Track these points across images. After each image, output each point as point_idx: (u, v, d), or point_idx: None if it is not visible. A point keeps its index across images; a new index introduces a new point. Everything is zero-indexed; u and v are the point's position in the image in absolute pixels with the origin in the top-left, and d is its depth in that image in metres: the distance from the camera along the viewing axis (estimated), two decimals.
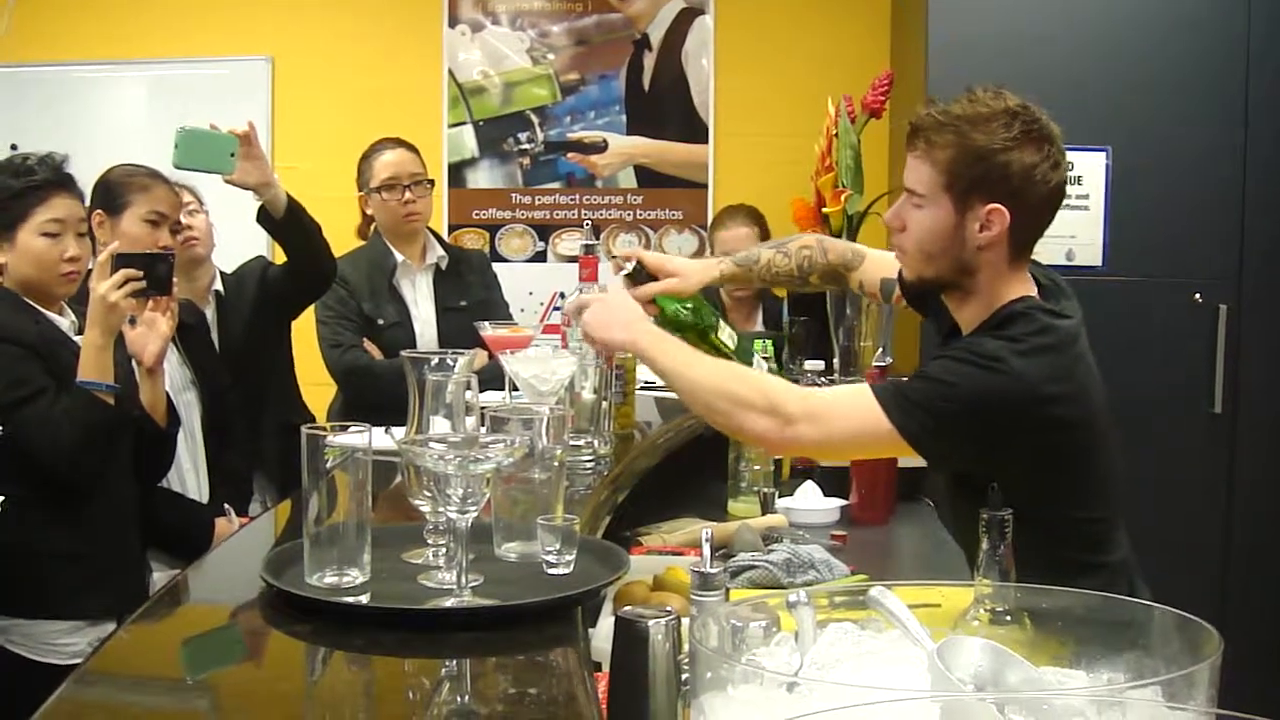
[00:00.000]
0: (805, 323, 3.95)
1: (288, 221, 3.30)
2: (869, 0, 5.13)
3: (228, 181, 3.19)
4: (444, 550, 1.75)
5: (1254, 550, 4.15)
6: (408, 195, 3.81)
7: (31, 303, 2.81)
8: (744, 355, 2.59)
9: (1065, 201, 2.21)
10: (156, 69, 5.29)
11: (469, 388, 1.67)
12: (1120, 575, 2.17)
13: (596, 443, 2.57)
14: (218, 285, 3.56)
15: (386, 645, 1.54)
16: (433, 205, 4.01)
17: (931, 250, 2.16)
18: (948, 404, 2.03)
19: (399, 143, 3.91)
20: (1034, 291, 2.17)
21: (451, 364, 1.71)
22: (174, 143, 3.05)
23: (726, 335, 2.58)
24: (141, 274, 2.77)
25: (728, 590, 1.66)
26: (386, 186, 3.81)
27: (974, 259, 2.13)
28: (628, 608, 1.50)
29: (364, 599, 1.62)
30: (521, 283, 4.92)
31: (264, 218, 3.31)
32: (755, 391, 2.11)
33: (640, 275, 2.56)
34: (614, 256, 2.68)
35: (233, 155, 3.13)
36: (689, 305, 2.54)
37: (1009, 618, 1.34)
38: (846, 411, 2.10)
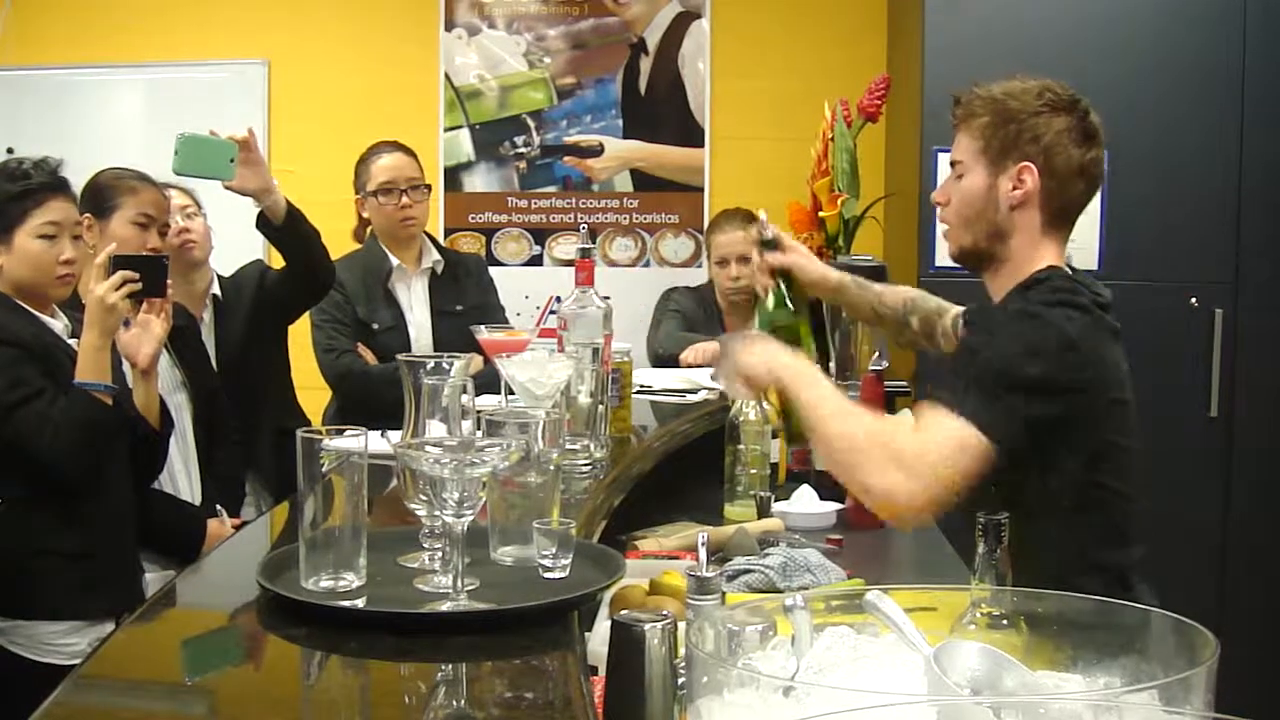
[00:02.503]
0: None
1: (287, 228, 3.29)
2: (865, 4, 5.14)
3: (227, 188, 3.19)
4: (440, 554, 1.74)
5: (1251, 553, 4.16)
6: (405, 200, 3.81)
7: (25, 305, 2.82)
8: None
9: None
10: (153, 72, 5.29)
11: (465, 391, 1.66)
12: (1132, 572, 2.20)
13: (593, 446, 2.57)
14: (215, 289, 3.56)
15: (382, 649, 1.54)
16: (429, 210, 4.01)
17: (968, 214, 2.27)
18: (1002, 378, 2.05)
19: (397, 146, 3.90)
20: (1064, 267, 2.25)
21: (447, 368, 1.71)
22: (174, 149, 3.05)
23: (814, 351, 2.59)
24: (138, 276, 2.77)
25: (724, 594, 1.66)
26: (384, 190, 3.81)
27: (1007, 222, 2.23)
28: (624, 611, 1.50)
29: (360, 603, 1.61)
30: (518, 286, 4.92)
31: (263, 223, 3.31)
32: (876, 442, 2.00)
33: (772, 247, 2.64)
34: (759, 226, 2.66)
35: (232, 161, 3.13)
36: (791, 310, 2.59)
37: (1005, 622, 1.34)
38: (941, 440, 2.01)
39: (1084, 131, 2.23)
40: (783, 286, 2.60)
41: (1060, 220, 2.26)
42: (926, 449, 1.99)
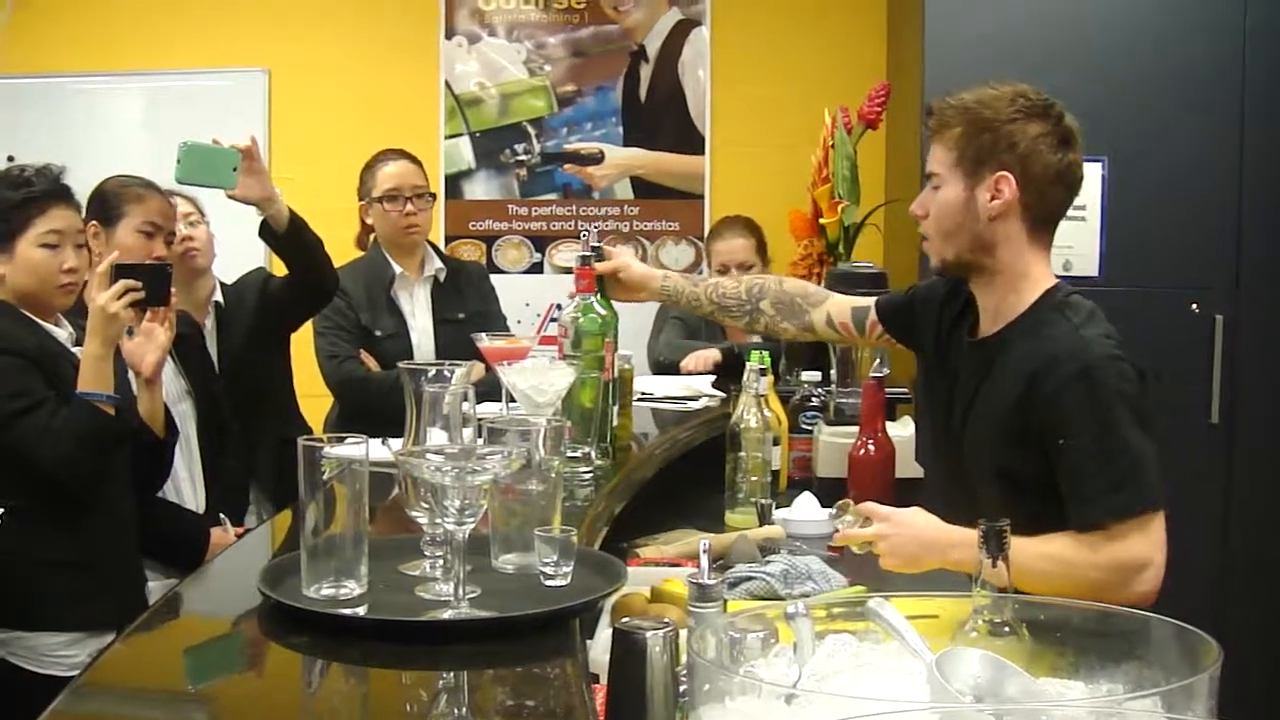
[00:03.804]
0: None
1: (290, 236, 3.29)
2: (865, 11, 5.14)
3: (230, 196, 3.19)
4: (441, 562, 1.74)
5: (1252, 560, 4.15)
6: (409, 207, 3.82)
7: (28, 314, 2.81)
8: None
9: None
10: (154, 80, 5.29)
11: (466, 399, 1.66)
12: None
13: (594, 454, 2.57)
14: (218, 296, 3.56)
15: (384, 657, 1.54)
16: (433, 218, 4.02)
17: (948, 227, 2.24)
18: (1132, 445, 2.13)
19: (402, 154, 3.91)
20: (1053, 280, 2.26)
21: (449, 375, 1.71)
22: (176, 157, 3.05)
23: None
24: (140, 285, 2.77)
25: (725, 601, 1.66)
26: (388, 197, 3.82)
27: (988, 232, 2.21)
28: (625, 619, 1.50)
29: (361, 611, 1.61)
30: (518, 294, 4.92)
31: (266, 232, 3.31)
32: (1104, 574, 2.11)
33: (598, 257, 2.76)
34: (591, 248, 2.77)
35: (235, 170, 3.13)
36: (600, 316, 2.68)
37: (1007, 629, 1.34)
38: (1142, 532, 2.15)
39: (1060, 136, 2.20)
40: (597, 296, 2.70)
41: (1043, 227, 2.25)
42: (1133, 551, 2.14)
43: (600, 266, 2.72)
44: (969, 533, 2.10)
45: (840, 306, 2.68)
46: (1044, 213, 2.23)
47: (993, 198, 2.19)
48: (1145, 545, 2.14)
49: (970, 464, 2.32)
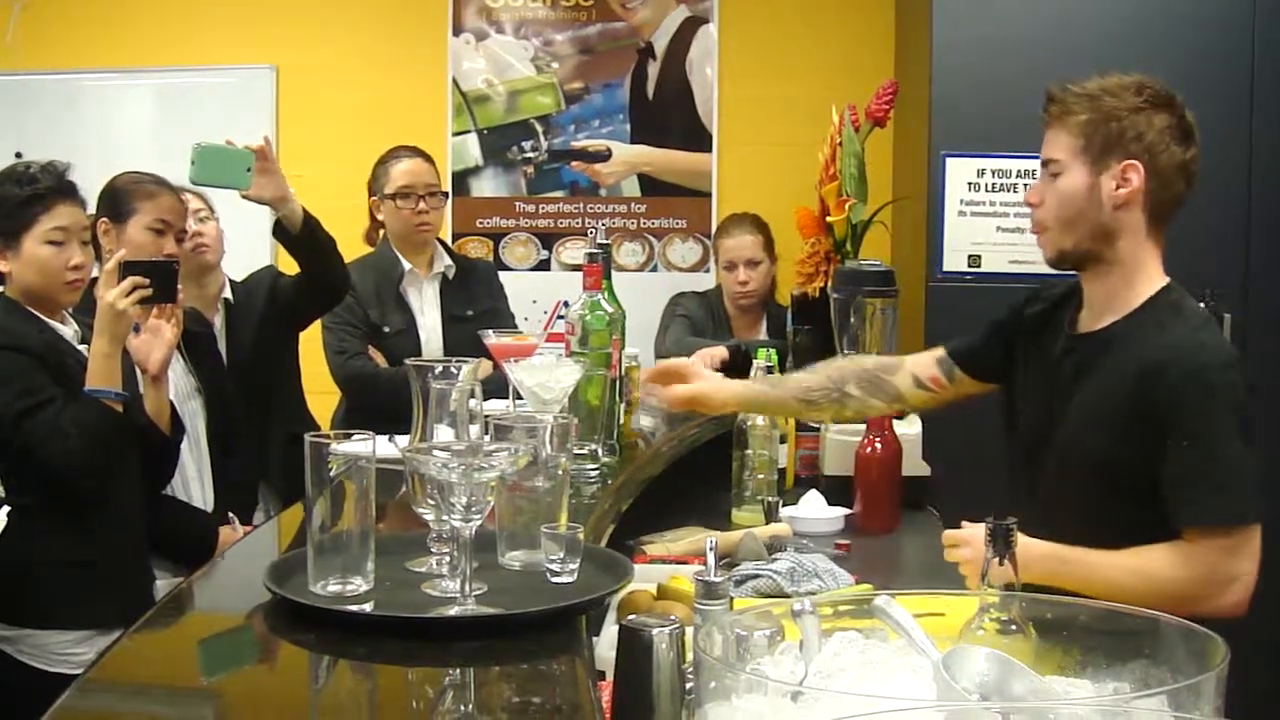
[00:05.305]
0: (809, 331, 3.94)
1: (304, 236, 3.29)
2: (873, 9, 5.13)
3: (244, 197, 3.19)
4: (448, 558, 1.74)
5: (1261, 560, 4.13)
6: (421, 205, 3.82)
7: (35, 312, 2.81)
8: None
9: None
10: (162, 77, 5.29)
11: (473, 396, 1.67)
12: None
13: (601, 451, 2.57)
14: (227, 293, 3.56)
15: (390, 653, 1.54)
16: (444, 216, 4.01)
17: (1070, 215, 2.21)
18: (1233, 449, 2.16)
19: (416, 152, 3.91)
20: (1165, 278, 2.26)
21: (456, 372, 1.72)
22: (190, 159, 3.05)
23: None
24: (148, 282, 2.77)
25: (732, 599, 1.66)
26: (401, 194, 3.82)
27: (1112, 221, 2.20)
28: (632, 616, 1.50)
29: (368, 607, 1.61)
30: (525, 291, 4.91)
31: (280, 232, 3.31)
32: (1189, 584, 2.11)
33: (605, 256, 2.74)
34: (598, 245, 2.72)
35: (249, 170, 3.13)
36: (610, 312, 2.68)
37: (1014, 627, 1.34)
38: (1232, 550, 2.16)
39: (1183, 130, 2.22)
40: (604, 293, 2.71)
41: (1161, 221, 2.24)
42: (1226, 562, 2.16)
43: (680, 394, 2.51)
44: (1049, 546, 2.08)
45: (922, 363, 2.52)
46: (1164, 205, 2.23)
47: (1119, 186, 2.17)
48: (1239, 556, 2.14)
49: (1061, 461, 2.26)
